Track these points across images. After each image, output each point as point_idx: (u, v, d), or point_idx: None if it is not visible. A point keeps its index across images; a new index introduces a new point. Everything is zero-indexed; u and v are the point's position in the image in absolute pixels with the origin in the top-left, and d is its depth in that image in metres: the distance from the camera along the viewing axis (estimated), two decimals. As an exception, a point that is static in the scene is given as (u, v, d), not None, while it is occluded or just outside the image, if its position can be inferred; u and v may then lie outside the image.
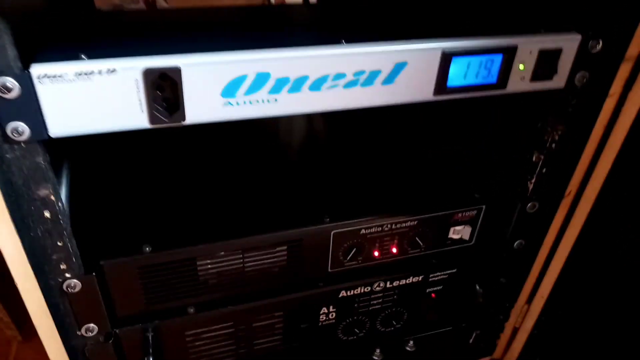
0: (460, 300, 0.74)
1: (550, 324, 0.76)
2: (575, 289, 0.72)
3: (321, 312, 0.68)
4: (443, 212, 0.65)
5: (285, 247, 0.61)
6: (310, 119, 0.86)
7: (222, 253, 0.58)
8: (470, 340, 0.83)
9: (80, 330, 0.55)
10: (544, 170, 0.64)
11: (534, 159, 0.63)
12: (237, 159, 0.74)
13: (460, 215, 0.66)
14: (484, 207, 0.66)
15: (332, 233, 0.61)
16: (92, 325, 0.56)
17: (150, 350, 0.59)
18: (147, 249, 0.55)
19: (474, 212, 0.66)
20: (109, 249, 0.55)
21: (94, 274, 0.53)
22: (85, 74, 0.40)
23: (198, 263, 0.58)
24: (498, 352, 0.82)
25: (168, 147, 0.75)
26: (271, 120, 0.82)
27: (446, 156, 0.77)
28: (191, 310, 0.61)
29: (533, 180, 0.64)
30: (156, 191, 0.65)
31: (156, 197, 0.65)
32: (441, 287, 0.72)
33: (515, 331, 0.79)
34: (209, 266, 0.59)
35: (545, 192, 0.66)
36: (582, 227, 0.65)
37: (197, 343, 0.64)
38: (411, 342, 0.82)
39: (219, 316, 0.63)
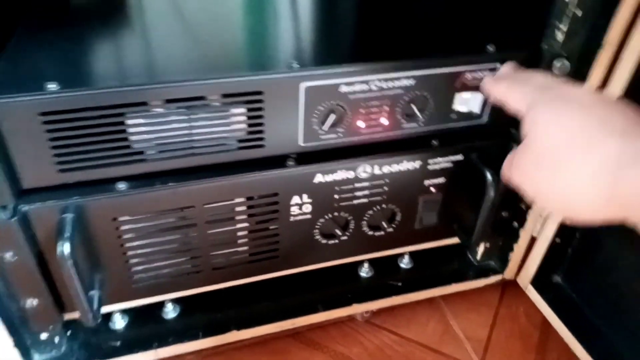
0: (466, 201, 0.60)
1: (577, 230, 0.62)
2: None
3: (292, 202, 0.54)
4: (444, 67, 0.50)
5: (242, 104, 0.47)
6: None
7: (156, 102, 0.45)
8: (478, 256, 0.70)
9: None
10: (578, 12, 0.49)
11: None
12: None
13: (468, 75, 0.52)
14: (498, 65, 0.52)
15: (302, 87, 0.47)
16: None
17: (67, 234, 0.46)
18: (52, 86, 0.41)
19: (486, 73, 0.52)
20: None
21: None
22: None
23: (126, 116, 0.44)
24: (510, 271, 0.69)
25: None
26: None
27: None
28: (121, 186, 0.48)
29: (564, 29, 0.50)
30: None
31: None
32: (443, 179, 0.58)
33: (532, 243, 0.65)
34: (141, 122, 0.45)
35: (579, 45, 0.51)
36: (627, 88, 0.50)
37: (131, 235, 0.51)
38: (406, 258, 0.69)
39: (159, 198, 0.49)
